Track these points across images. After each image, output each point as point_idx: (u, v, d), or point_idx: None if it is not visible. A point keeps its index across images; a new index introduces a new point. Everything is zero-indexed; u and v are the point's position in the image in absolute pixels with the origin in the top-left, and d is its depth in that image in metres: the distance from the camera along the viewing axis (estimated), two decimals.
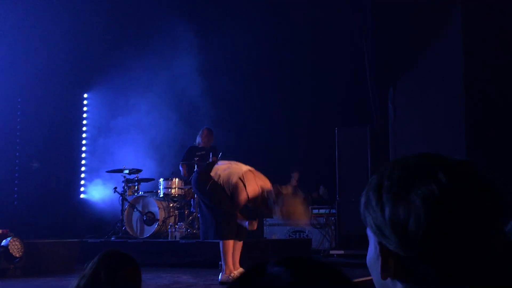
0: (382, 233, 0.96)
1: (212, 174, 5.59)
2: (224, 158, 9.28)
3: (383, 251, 0.97)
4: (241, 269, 5.70)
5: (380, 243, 0.98)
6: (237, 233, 5.61)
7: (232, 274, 5.58)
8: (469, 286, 0.91)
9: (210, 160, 9.27)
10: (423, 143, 8.69)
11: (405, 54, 9.08)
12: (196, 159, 9.31)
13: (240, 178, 5.46)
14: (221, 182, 5.52)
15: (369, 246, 1.02)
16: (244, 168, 5.59)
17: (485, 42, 8.11)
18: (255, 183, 5.48)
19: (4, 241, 6.82)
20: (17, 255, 6.80)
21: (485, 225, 0.92)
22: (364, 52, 9.51)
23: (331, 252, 9.41)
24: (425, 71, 8.83)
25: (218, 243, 5.74)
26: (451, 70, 8.46)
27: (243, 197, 5.43)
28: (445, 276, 0.92)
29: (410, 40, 9.04)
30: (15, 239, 6.88)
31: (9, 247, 6.74)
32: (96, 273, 2.36)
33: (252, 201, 5.49)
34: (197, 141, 9.75)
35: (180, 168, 9.66)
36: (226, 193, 5.53)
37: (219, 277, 5.67)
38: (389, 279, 0.98)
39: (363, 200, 1.02)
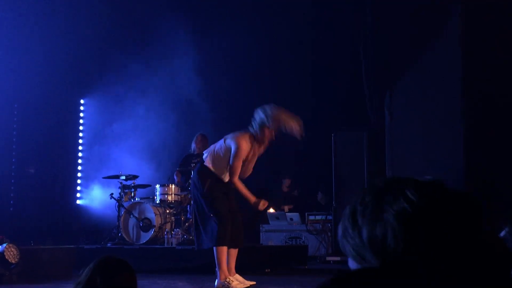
0: (362, 258, 0.98)
1: (208, 164, 5.59)
2: None
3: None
4: (237, 275, 5.68)
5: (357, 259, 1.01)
6: (232, 240, 5.58)
7: (227, 280, 5.56)
8: None
9: None
10: (421, 146, 8.70)
11: (402, 57, 9.09)
12: (192, 165, 9.31)
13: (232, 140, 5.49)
14: (215, 155, 5.53)
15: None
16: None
17: (483, 42, 8.12)
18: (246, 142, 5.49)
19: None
20: (13, 261, 6.77)
21: (460, 232, 0.94)
22: (361, 56, 9.53)
23: (328, 258, 9.39)
24: (423, 73, 8.84)
25: (213, 249, 5.73)
26: (450, 71, 8.46)
27: (239, 154, 5.44)
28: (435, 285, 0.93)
29: (408, 43, 9.05)
30: (10, 245, 6.85)
31: (4, 253, 6.71)
32: (92, 279, 2.35)
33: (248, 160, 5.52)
34: (192, 148, 9.76)
35: (175, 177, 9.66)
36: (223, 194, 5.53)
37: (215, 284, 5.66)
38: None
39: (340, 231, 1.05)
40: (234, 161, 5.47)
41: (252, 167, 5.78)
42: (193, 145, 9.72)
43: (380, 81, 9.38)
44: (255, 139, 5.59)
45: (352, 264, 1.02)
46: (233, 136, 5.57)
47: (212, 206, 5.51)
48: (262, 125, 5.53)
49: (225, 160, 5.55)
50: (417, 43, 8.91)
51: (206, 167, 5.64)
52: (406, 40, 8.96)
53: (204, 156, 5.78)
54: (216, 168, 5.61)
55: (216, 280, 5.62)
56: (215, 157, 5.61)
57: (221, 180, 5.63)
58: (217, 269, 5.58)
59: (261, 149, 5.66)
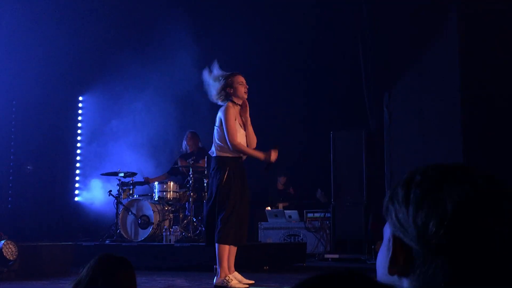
0: (401, 226, 0.94)
1: (217, 154, 5.60)
2: None
3: (396, 244, 0.95)
4: (236, 273, 5.69)
5: (394, 236, 0.96)
6: (235, 239, 5.58)
7: (227, 278, 5.57)
8: None
9: (200, 162, 9.31)
10: (420, 145, 8.71)
11: (401, 57, 9.11)
12: (191, 162, 9.33)
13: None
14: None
15: (382, 245, 1.01)
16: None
17: (482, 43, 8.14)
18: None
19: None
20: (11, 258, 6.77)
21: None
22: (361, 56, 9.54)
23: (326, 256, 9.41)
24: (422, 73, 8.86)
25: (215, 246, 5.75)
26: (448, 71, 8.48)
27: (228, 117, 5.61)
28: (458, 276, 0.90)
29: (407, 43, 9.06)
30: (9, 242, 6.85)
31: (3, 250, 6.71)
32: (93, 278, 2.35)
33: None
34: (183, 147, 9.78)
35: (171, 176, 9.68)
36: (241, 185, 5.55)
37: (214, 281, 5.66)
38: (395, 277, 0.96)
39: (388, 194, 1.00)
40: (227, 126, 5.55)
41: (253, 132, 5.81)
42: (184, 143, 9.75)
43: (379, 81, 9.39)
44: (234, 104, 5.69)
45: (387, 233, 0.99)
46: (218, 115, 5.67)
47: (223, 202, 5.50)
48: (223, 89, 5.71)
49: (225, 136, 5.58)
50: (416, 43, 8.92)
51: (216, 157, 5.65)
52: (405, 40, 8.97)
53: (210, 151, 5.80)
54: (224, 150, 5.62)
55: (216, 277, 5.63)
56: (218, 142, 5.64)
57: (235, 162, 5.62)
58: (217, 266, 5.58)
59: (246, 110, 5.77)
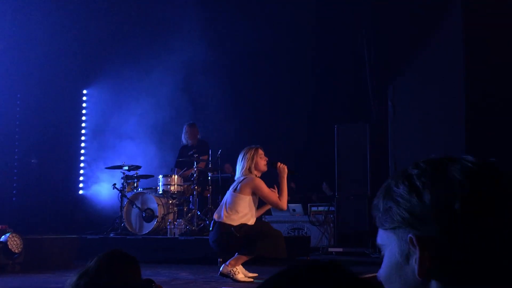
0: (419, 221, 0.90)
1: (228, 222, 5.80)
2: (223, 154, 9.33)
3: (420, 242, 0.90)
4: (240, 266, 5.73)
5: (417, 237, 0.91)
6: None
7: (234, 269, 5.64)
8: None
9: (200, 157, 9.34)
10: (423, 139, 8.69)
11: (405, 51, 9.08)
12: (195, 156, 9.36)
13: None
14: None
15: (385, 258, 0.96)
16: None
17: (485, 38, 8.10)
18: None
19: (3, 237, 6.82)
20: (16, 251, 6.80)
21: None
22: (364, 49, 9.52)
23: (330, 249, 9.42)
24: (425, 67, 8.83)
25: (215, 229, 5.94)
26: (451, 66, 8.45)
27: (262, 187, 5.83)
28: (485, 268, 0.87)
29: (410, 37, 9.03)
30: (14, 235, 6.88)
31: (8, 243, 6.74)
32: (100, 271, 2.37)
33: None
34: (183, 139, 9.79)
35: (175, 170, 9.69)
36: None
37: (221, 268, 5.69)
38: (419, 282, 0.91)
39: (380, 201, 0.97)
40: (265, 195, 5.86)
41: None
42: (183, 137, 9.77)
43: (383, 74, 9.37)
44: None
45: (391, 240, 0.95)
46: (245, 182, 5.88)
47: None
48: (248, 167, 5.92)
49: (245, 204, 5.84)
50: (420, 36, 8.89)
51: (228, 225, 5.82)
52: (409, 33, 8.94)
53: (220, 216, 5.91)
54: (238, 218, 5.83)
55: (223, 265, 5.69)
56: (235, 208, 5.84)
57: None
58: (234, 259, 5.70)
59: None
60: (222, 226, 5.75)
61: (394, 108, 9.10)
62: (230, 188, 5.94)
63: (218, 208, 6.03)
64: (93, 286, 2.34)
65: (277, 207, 5.90)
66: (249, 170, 5.89)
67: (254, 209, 5.86)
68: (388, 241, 0.96)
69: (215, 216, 5.93)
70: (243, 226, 5.74)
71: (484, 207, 0.88)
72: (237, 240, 5.68)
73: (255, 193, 5.83)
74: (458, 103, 8.36)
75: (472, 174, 0.90)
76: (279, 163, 5.99)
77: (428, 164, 0.94)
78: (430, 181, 0.91)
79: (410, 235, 0.91)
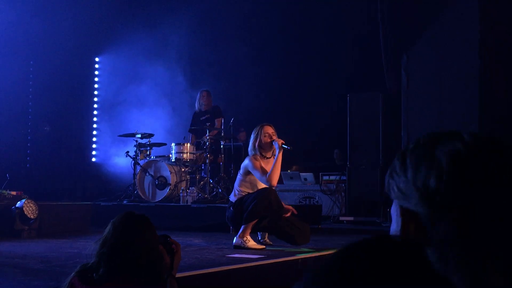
0: (404, 195, 0.97)
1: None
2: (237, 124, 9.35)
3: (404, 213, 0.98)
4: (250, 238, 5.84)
5: (400, 207, 0.99)
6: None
7: (244, 238, 5.74)
8: (490, 252, 0.91)
9: (215, 122, 9.38)
10: (436, 109, 8.66)
11: (419, 19, 8.99)
12: (208, 124, 9.38)
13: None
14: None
15: (392, 222, 1.03)
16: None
17: (500, 7, 8.01)
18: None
19: (19, 202, 6.92)
20: (32, 217, 6.90)
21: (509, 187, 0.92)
22: (378, 17, 9.43)
23: (341, 218, 9.47)
24: (440, 35, 8.76)
25: (227, 208, 6.13)
26: (467, 34, 8.38)
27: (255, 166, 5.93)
28: (465, 237, 0.92)
29: (424, 5, 8.94)
30: (29, 201, 6.98)
31: (24, 209, 6.84)
32: (116, 237, 2.43)
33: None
34: (197, 106, 9.82)
35: (189, 138, 9.75)
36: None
37: (234, 240, 5.80)
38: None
39: (388, 172, 1.03)
40: (252, 170, 5.98)
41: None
42: (198, 102, 9.79)
43: (397, 43, 9.30)
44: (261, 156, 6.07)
45: (394, 210, 1.01)
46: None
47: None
48: (253, 145, 6.09)
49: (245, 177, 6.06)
50: (435, 5, 8.80)
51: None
52: (421, 4, 8.85)
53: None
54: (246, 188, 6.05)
55: (235, 237, 5.80)
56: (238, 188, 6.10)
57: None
58: (241, 229, 5.85)
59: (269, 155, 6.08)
60: (230, 204, 6.07)
61: (407, 78, 9.05)
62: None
63: None
64: (116, 250, 2.42)
65: (264, 183, 5.92)
66: (254, 148, 6.04)
67: (257, 186, 5.99)
68: (393, 210, 1.02)
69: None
70: (240, 199, 5.94)
71: (466, 195, 0.92)
72: (239, 214, 5.88)
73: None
74: (472, 73, 8.30)
75: (457, 158, 0.93)
76: (275, 138, 6.03)
77: (425, 140, 0.99)
78: (416, 160, 0.97)
79: (398, 209, 0.99)
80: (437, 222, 0.94)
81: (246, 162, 6.04)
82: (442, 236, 0.93)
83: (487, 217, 0.91)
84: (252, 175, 5.96)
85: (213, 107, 9.81)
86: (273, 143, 6.00)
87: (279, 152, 5.94)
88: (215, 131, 9.45)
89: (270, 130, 6.07)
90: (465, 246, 0.91)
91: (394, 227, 1.02)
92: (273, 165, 5.92)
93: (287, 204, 6.26)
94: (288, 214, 6.00)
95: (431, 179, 0.93)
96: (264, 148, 6.03)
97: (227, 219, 6.18)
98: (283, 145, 5.95)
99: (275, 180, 5.92)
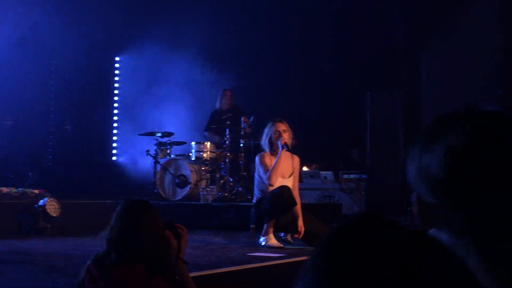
0: (415, 183, 1.00)
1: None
2: (254, 123, 9.37)
3: (419, 200, 1.01)
4: (272, 236, 5.86)
5: (417, 194, 1.02)
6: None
7: (267, 237, 5.79)
8: (502, 236, 0.92)
9: (242, 121, 9.35)
10: (457, 105, 8.60)
11: (439, 16, 8.94)
12: (228, 122, 9.38)
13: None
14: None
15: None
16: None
17: None
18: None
19: (41, 201, 7.00)
20: (54, 215, 6.98)
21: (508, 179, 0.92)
22: (397, 15, 9.39)
23: None
24: (460, 32, 8.69)
25: (250, 206, 6.17)
26: (487, 31, 8.31)
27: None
28: (474, 224, 0.94)
29: (443, 2, 8.89)
30: (52, 199, 7.05)
31: (46, 207, 6.91)
32: (124, 222, 2.54)
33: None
34: (218, 104, 9.81)
35: (206, 134, 9.76)
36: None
37: (261, 241, 5.82)
38: (433, 230, 0.99)
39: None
40: (257, 167, 6.11)
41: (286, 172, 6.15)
42: (219, 101, 9.79)
43: (416, 41, 9.25)
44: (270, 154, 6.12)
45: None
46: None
47: None
48: (264, 142, 6.15)
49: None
50: (451, 5, 8.75)
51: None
52: (440, 2, 8.80)
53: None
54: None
55: (260, 236, 5.87)
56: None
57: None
58: (253, 225, 6.01)
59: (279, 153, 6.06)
60: (252, 205, 6.15)
61: (427, 76, 9.01)
62: None
63: None
64: (120, 234, 2.53)
65: (265, 181, 5.96)
66: (265, 144, 6.08)
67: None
68: (413, 196, 1.06)
69: None
70: (259, 200, 6.00)
71: (455, 183, 0.93)
72: (259, 214, 5.94)
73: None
74: (493, 71, 8.24)
75: (453, 154, 0.94)
76: (277, 137, 6.03)
77: (428, 129, 1.01)
78: (420, 148, 0.99)
79: (415, 193, 1.03)
80: (448, 211, 0.95)
81: (256, 159, 6.09)
82: (457, 223, 0.94)
83: (489, 210, 0.92)
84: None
85: (234, 106, 9.82)
86: (277, 143, 6.00)
87: (280, 152, 5.94)
88: (249, 129, 9.40)
89: (281, 127, 6.06)
90: (479, 233, 0.92)
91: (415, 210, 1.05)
92: (273, 165, 5.92)
93: (304, 202, 6.33)
94: (300, 236, 5.98)
95: (432, 172, 0.95)
96: (274, 145, 6.03)
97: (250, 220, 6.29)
98: (284, 145, 5.94)
99: (273, 180, 5.91)
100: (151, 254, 2.57)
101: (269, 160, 6.02)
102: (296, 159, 6.21)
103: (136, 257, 2.54)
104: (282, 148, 5.94)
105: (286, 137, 6.03)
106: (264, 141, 6.10)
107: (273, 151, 6.06)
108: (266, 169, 5.95)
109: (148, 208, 2.68)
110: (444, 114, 1.01)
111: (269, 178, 5.90)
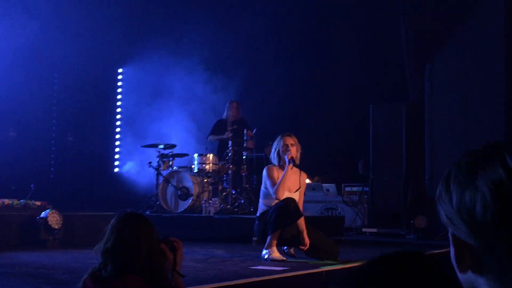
0: (452, 223, 0.94)
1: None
2: (257, 134, 9.35)
3: (456, 242, 0.95)
4: (275, 248, 5.83)
5: (452, 235, 0.96)
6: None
7: (270, 250, 5.75)
8: None
9: (245, 133, 9.32)
10: (461, 119, 8.59)
11: (443, 28, 8.94)
12: (231, 134, 9.36)
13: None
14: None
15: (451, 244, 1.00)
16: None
17: None
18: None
19: (43, 213, 6.96)
20: (56, 227, 6.94)
21: None
22: (401, 27, 9.40)
23: (364, 230, 9.41)
24: (465, 44, 8.69)
25: (253, 219, 6.15)
26: (492, 44, 8.30)
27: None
28: None
29: (448, 14, 8.89)
30: (54, 211, 7.02)
31: (48, 219, 6.88)
32: (118, 235, 2.54)
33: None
34: (225, 115, 9.79)
35: (210, 137, 9.74)
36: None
37: (264, 254, 5.79)
38: (471, 274, 0.94)
39: (436, 195, 1.01)
40: (264, 180, 6.10)
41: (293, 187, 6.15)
42: (226, 112, 9.76)
43: (420, 53, 9.25)
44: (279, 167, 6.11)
45: (449, 233, 1.00)
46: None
47: None
48: (272, 156, 6.16)
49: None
50: (459, 13, 8.75)
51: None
52: (448, 10, 8.80)
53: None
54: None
55: (263, 249, 5.85)
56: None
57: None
58: (257, 238, 6.02)
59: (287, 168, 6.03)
60: (256, 218, 6.13)
61: (431, 88, 8.99)
62: None
63: None
64: (115, 246, 2.53)
65: (272, 195, 5.96)
66: (273, 158, 6.10)
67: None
68: (450, 234, 0.99)
69: None
70: (263, 212, 6.00)
71: (505, 221, 0.89)
72: (262, 226, 5.93)
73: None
74: (498, 84, 8.22)
75: (500, 189, 0.89)
76: (284, 151, 6.05)
77: (467, 164, 0.96)
78: (458, 188, 0.93)
79: (450, 234, 0.96)
80: (491, 253, 0.91)
81: (263, 171, 6.10)
82: (499, 265, 0.90)
83: None
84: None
85: (241, 119, 9.79)
86: (284, 157, 6.02)
87: (287, 166, 5.95)
88: (251, 141, 9.38)
89: (289, 141, 6.08)
90: None
91: (452, 250, 0.99)
92: (280, 179, 5.94)
93: (306, 215, 6.28)
94: (305, 248, 5.96)
95: (476, 211, 0.90)
96: (282, 159, 6.06)
97: (254, 233, 6.26)
98: (290, 159, 5.95)
99: (280, 194, 5.92)
100: (148, 265, 2.58)
101: (277, 174, 6.03)
102: (304, 176, 6.26)
103: (132, 268, 2.55)
104: (289, 162, 5.94)
105: (294, 151, 6.03)
106: (273, 155, 6.14)
107: (281, 165, 6.07)
108: (273, 182, 5.96)
109: (142, 219, 2.72)
110: (480, 147, 0.97)
111: (276, 192, 5.91)
